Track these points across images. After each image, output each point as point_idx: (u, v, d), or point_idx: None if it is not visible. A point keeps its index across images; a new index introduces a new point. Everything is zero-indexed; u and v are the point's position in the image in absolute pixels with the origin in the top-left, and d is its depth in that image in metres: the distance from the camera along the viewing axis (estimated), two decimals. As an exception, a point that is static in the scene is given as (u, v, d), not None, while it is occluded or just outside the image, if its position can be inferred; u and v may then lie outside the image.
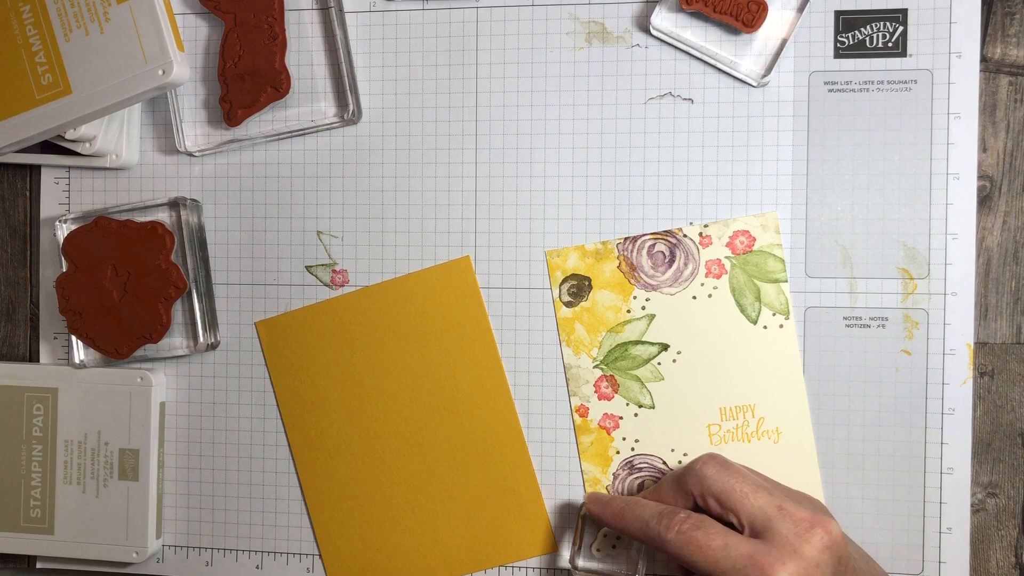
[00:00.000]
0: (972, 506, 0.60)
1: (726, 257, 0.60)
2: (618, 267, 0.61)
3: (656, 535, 0.53)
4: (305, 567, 0.66)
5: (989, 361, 0.60)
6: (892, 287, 0.59)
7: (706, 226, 0.60)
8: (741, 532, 0.52)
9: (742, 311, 0.60)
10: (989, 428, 0.60)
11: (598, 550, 0.62)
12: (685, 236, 0.61)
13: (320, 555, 0.66)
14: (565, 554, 0.63)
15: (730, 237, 0.60)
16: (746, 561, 0.50)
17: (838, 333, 0.60)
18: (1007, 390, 0.59)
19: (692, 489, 0.54)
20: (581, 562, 0.62)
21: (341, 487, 0.65)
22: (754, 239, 0.60)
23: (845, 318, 0.60)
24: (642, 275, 0.61)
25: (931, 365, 0.59)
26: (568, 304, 0.62)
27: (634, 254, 0.61)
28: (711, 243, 0.60)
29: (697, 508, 0.55)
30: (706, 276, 0.60)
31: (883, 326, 0.60)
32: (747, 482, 0.53)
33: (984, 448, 0.60)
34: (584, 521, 0.62)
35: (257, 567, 0.67)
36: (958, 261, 0.59)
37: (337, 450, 0.65)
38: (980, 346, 0.60)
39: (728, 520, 0.53)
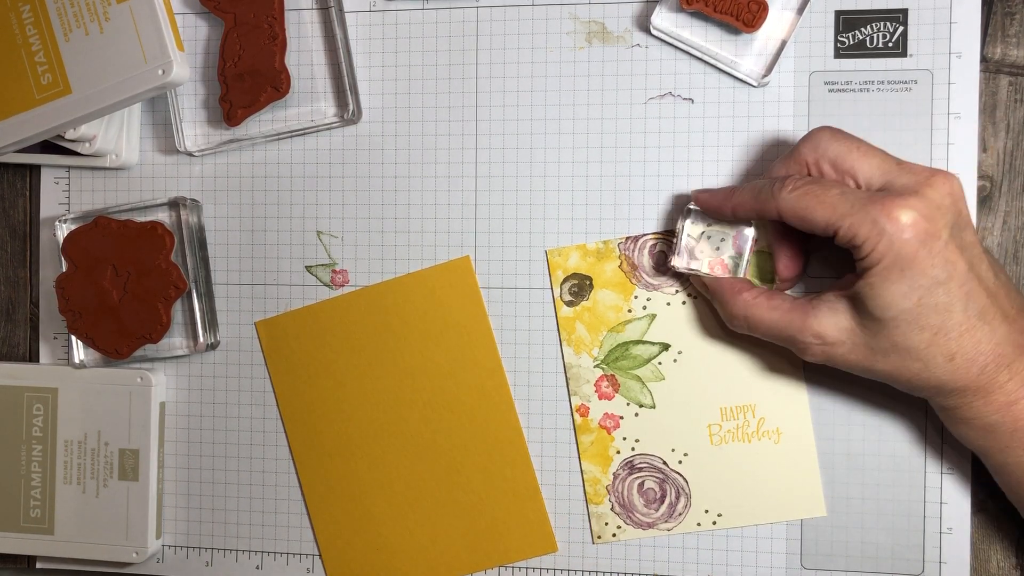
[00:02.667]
0: (973, 506, 0.60)
1: (728, 257, 0.60)
2: (619, 266, 0.61)
3: (769, 198, 0.52)
4: (305, 567, 0.66)
5: (989, 361, 0.60)
6: (892, 287, 0.59)
7: (708, 226, 0.60)
8: None
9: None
10: (989, 428, 0.60)
11: (701, 251, 0.59)
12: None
13: (320, 555, 0.66)
14: (565, 554, 0.63)
15: (732, 237, 0.60)
16: (865, 201, 0.49)
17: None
18: (1007, 390, 0.59)
19: (806, 156, 0.53)
20: (683, 261, 0.59)
21: (341, 487, 0.65)
22: (756, 239, 0.60)
23: (845, 318, 0.60)
24: (643, 275, 0.61)
25: (931, 365, 0.59)
26: (569, 303, 0.62)
27: (635, 254, 0.61)
28: (712, 243, 0.60)
29: None
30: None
31: (883, 326, 0.59)
32: (863, 143, 0.52)
33: (984, 448, 0.60)
34: (685, 222, 0.59)
35: (257, 567, 0.67)
36: (958, 261, 0.59)
37: (337, 450, 0.65)
38: (980, 346, 0.60)
39: (845, 183, 0.52)
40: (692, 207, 0.59)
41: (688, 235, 0.59)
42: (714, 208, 0.57)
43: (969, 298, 0.49)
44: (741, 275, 0.58)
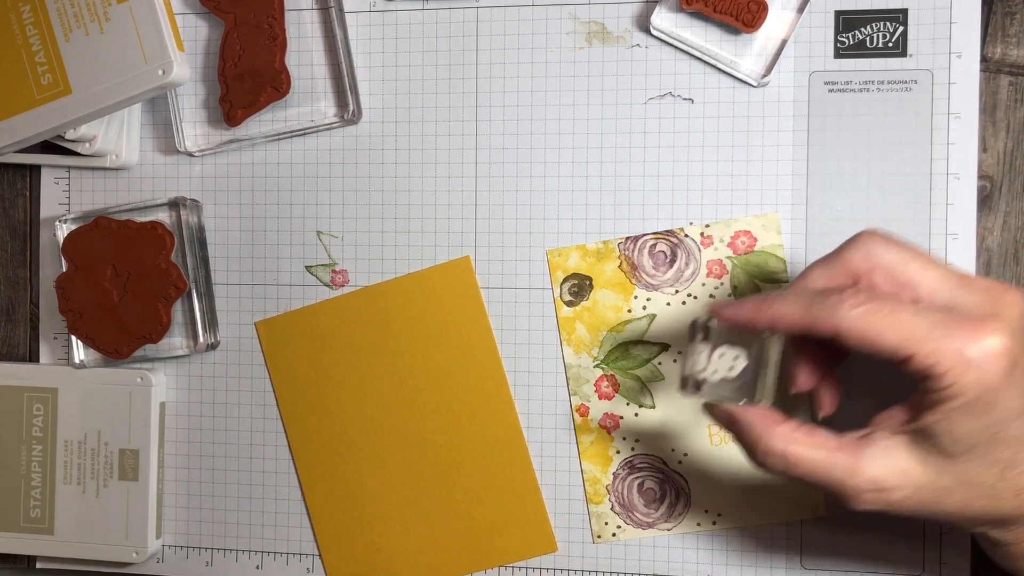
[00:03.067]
0: (972, 506, 0.59)
1: (727, 257, 0.60)
2: (619, 267, 0.61)
3: (824, 314, 0.45)
4: (305, 567, 0.66)
5: (989, 361, 0.60)
6: (892, 287, 0.59)
7: (707, 226, 0.60)
8: None
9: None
10: (989, 428, 0.60)
11: (714, 371, 0.50)
12: (686, 236, 0.61)
13: (320, 555, 0.66)
14: (565, 554, 0.63)
15: (731, 237, 0.60)
16: (946, 324, 0.42)
17: (838, 333, 0.60)
18: (1007, 390, 0.59)
19: (856, 265, 0.47)
20: (701, 386, 0.50)
21: (341, 487, 0.65)
22: (755, 240, 0.60)
23: (845, 318, 0.60)
24: (643, 275, 0.61)
25: (931, 365, 0.59)
26: (569, 303, 0.62)
27: (635, 254, 0.61)
28: (712, 243, 0.60)
29: None
30: (707, 276, 0.60)
31: (883, 326, 0.59)
32: (922, 253, 0.46)
33: (984, 448, 0.60)
34: (696, 342, 0.51)
35: (257, 567, 0.67)
36: (958, 261, 0.59)
37: (337, 450, 0.65)
38: (980, 346, 0.60)
39: (901, 298, 0.45)
40: (705, 321, 0.51)
41: (700, 354, 0.51)
42: (743, 321, 0.49)
43: None
44: (764, 400, 0.50)
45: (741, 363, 0.50)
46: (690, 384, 0.50)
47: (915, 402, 0.45)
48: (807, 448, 0.46)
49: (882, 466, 0.45)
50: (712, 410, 0.51)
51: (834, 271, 0.48)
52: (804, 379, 0.51)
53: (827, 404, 0.52)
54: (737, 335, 0.50)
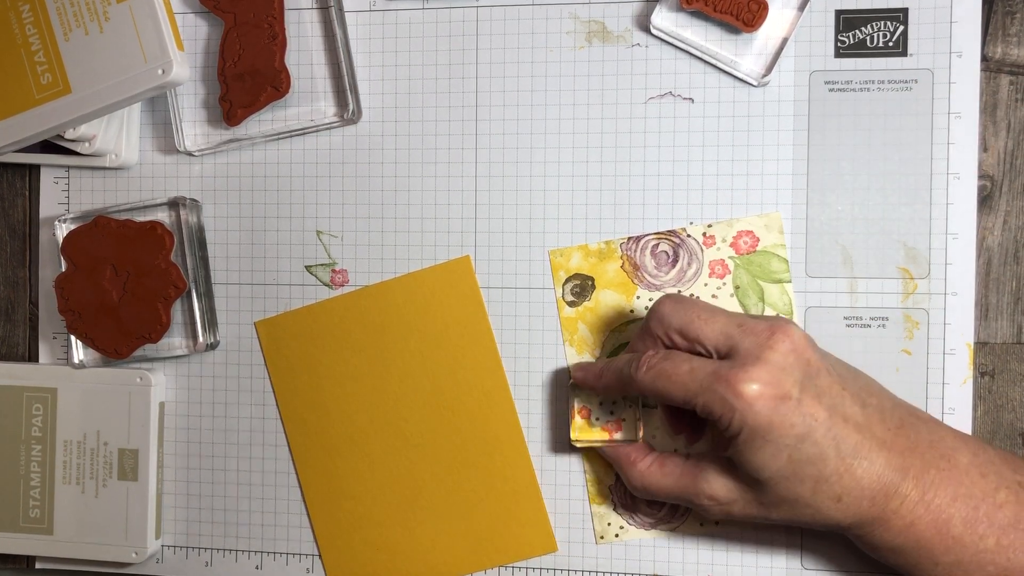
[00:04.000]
0: (972, 506, 0.60)
1: (730, 257, 0.60)
2: (621, 267, 0.61)
3: (629, 378, 0.54)
4: (305, 567, 0.66)
5: (990, 361, 0.60)
6: (892, 287, 0.59)
7: (710, 226, 0.60)
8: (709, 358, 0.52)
9: (745, 311, 0.60)
10: (989, 428, 0.60)
11: (597, 418, 0.60)
12: (689, 236, 0.61)
13: (320, 555, 0.66)
14: (566, 554, 0.63)
15: (734, 237, 0.60)
16: (712, 378, 0.50)
17: (838, 333, 0.60)
18: (1007, 390, 0.59)
19: (656, 330, 0.54)
20: (577, 434, 0.60)
21: (341, 487, 0.65)
22: (758, 239, 0.60)
23: (845, 318, 0.60)
24: (646, 275, 0.61)
25: (931, 365, 0.59)
26: (571, 304, 0.62)
27: (637, 254, 0.61)
28: (715, 243, 0.60)
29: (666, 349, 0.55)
30: (710, 276, 0.60)
31: (883, 326, 0.60)
32: (704, 309, 0.53)
33: (984, 448, 0.60)
34: (573, 394, 0.61)
35: (257, 567, 0.67)
36: (958, 261, 0.59)
37: (337, 450, 0.65)
38: (980, 346, 0.60)
39: (696, 351, 0.53)
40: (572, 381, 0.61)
41: (579, 406, 0.61)
42: (589, 387, 0.59)
43: (838, 441, 0.50)
44: (640, 435, 0.59)
45: (620, 407, 0.60)
46: (576, 429, 0.60)
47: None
48: (659, 478, 0.57)
49: (716, 485, 0.54)
50: (596, 450, 0.61)
51: (645, 339, 0.56)
52: (673, 427, 0.60)
53: (689, 438, 0.61)
54: None
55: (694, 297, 0.57)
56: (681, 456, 0.57)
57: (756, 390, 0.49)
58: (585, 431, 0.60)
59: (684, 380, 0.51)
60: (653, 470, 0.57)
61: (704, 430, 0.60)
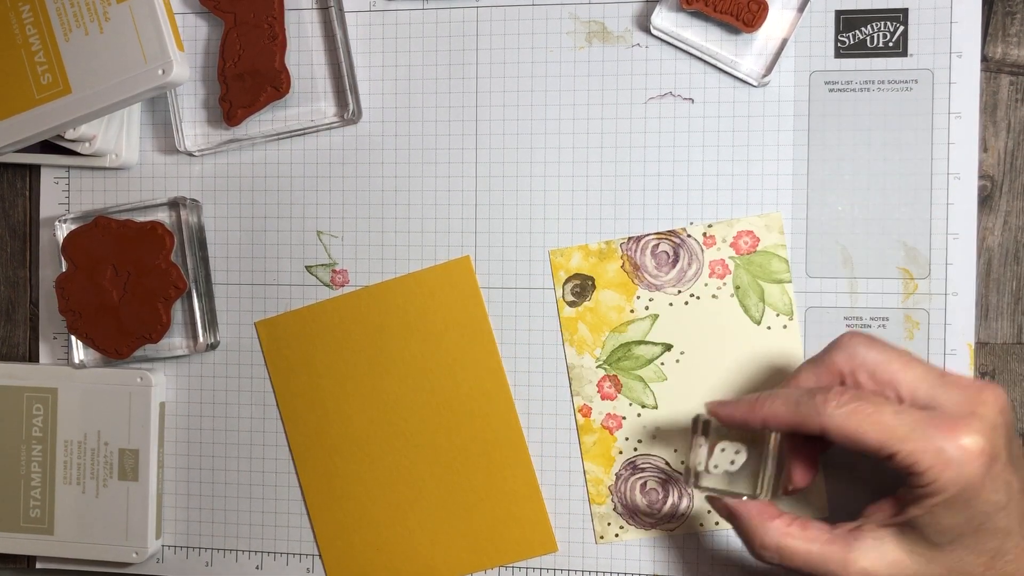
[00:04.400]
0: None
1: (730, 257, 0.60)
2: (621, 267, 0.61)
3: (811, 413, 0.48)
4: (305, 567, 0.66)
5: (990, 361, 0.60)
6: (893, 287, 0.59)
7: (710, 226, 0.60)
8: None
9: (746, 312, 0.60)
10: (990, 428, 0.60)
11: (715, 467, 0.54)
12: (689, 236, 0.61)
13: (320, 555, 0.66)
14: (566, 554, 0.63)
15: (734, 237, 0.60)
16: (925, 424, 0.45)
17: (838, 333, 0.59)
18: (1008, 390, 0.59)
19: (841, 365, 0.49)
20: (701, 480, 0.54)
21: (341, 487, 0.65)
22: (758, 239, 0.60)
23: (846, 318, 0.60)
24: (646, 275, 0.61)
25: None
26: (571, 304, 0.62)
27: (638, 254, 0.61)
28: (715, 243, 0.60)
29: None
30: (710, 276, 0.60)
31: (884, 326, 0.60)
32: (903, 353, 0.49)
33: (985, 448, 0.60)
34: (699, 436, 0.55)
35: (257, 567, 0.67)
36: (959, 261, 0.59)
37: (337, 450, 0.65)
38: (981, 346, 0.60)
39: (884, 396, 0.48)
40: (704, 418, 0.55)
41: (701, 447, 0.55)
42: (739, 420, 0.52)
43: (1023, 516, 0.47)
44: (764, 492, 0.53)
45: (742, 457, 0.53)
46: (692, 476, 0.54)
47: (902, 496, 0.48)
48: (801, 542, 0.50)
49: (872, 559, 0.48)
50: (713, 503, 0.54)
51: (821, 372, 0.50)
52: (800, 477, 0.54)
53: (800, 480, 0.54)
54: (736, 431, 0.54)
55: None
56: (824, 523, 0.51)
57: (976, 444, 0.45)
58: (713, 479, 0.54)
59: (890, 422, 0.46)
60: (794, 531, 0.50)
61: (807, 485, 0.54)
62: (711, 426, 0.55)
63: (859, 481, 0.58)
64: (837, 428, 0.47)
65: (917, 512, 0.47)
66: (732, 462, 0.54)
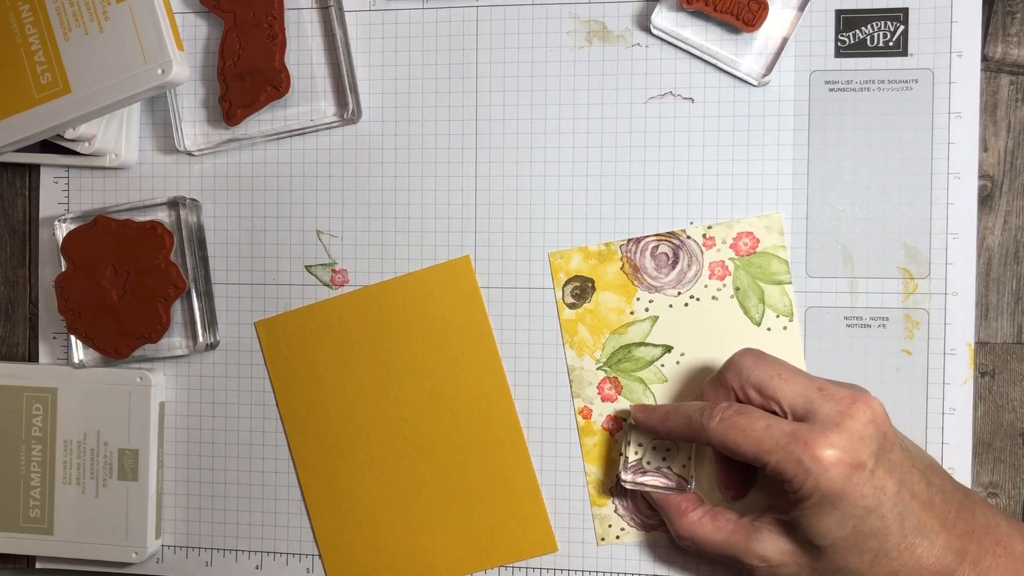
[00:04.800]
0: (973, 506, 0.60)
1: (730, 259, 0.60)
2: (621, 268, 0.61)
3: (699, 427, 0.53)
4: (305, 567, 0.66)
5: (990, 361, 0.60)
6: (893, 287, 0.59)
7: (710, 228, 0.60)
8: (784, 418, 0.52)
9: (746, 313, 0.60)
10: (990, 428, 0.60)
11: (648, 463, 0.60)
12: (688, 238, 0.61)
13: (320, 555, 0.66)
14: (566, 554, 0.63)
15: (734, 239, 0.60)
16: (789, 438, 0.50)
17: (839, 333, 0.60)
18: (1008, 390, 0.59)
19: (731, 382, 0.54)
20: (628, 476, 0.59)
21: (341, 487, 0.65)
22: (758, 241, 0.60)
23: (846, 318, 0.60)
24: (645, 277, 0.61)
25: (932, 365, 0.59)
26: (571, 306, 0.62)
27: (637, 256, 0.61)
28: (715, 245, 0.60)
29: (740, 403, 0.54)
30: (709, 278, 0.60)
31: (884, 326, 0.60)
32: (785, 368, 0.53)
33: (985, 448, 0.60)
34: (630, 435, 0.60)
35: (257, 567, 0.67)
36: (959, 261, 0.59)
37: (337, 450, 0.65)
38: (981, 346, 0.60)
39: (771, 409, 0.53)
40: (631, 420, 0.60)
41: (635, 447, 0.60)
42: (651, 429, 0.58)
43: (903, 517, 0.50)
44: (691, 485, 0.58)
45: (672, 455, 0.60)
46: (627, 470, 0.60)
47: (787, 496, 0.52)
48: (710, 532, 0.56)
49: (769, 546, 0.53)
50: (644, 494, 0.61)
51: (718, 388, 0.55)
52: (728, 483, 0.59)
53: (732, 491, 0.60)
54: None
55: (773, 356, 0.55)
56: (734, 512, 0.56)
57: (834, 456, 0.49)
58: (637, 475, 0.60)
59: (759, 436, 0.51)
60: (704, 522, 0.56)
61: (750, 487, 0.60)
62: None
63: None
64: (718, 441, 0.53)
65: (795, 513, 0.51)
66: (664, 458, 0.60)
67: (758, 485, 0.60)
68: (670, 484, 0.59)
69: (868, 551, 0.50)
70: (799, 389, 0.52)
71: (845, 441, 0.49)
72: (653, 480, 0.59)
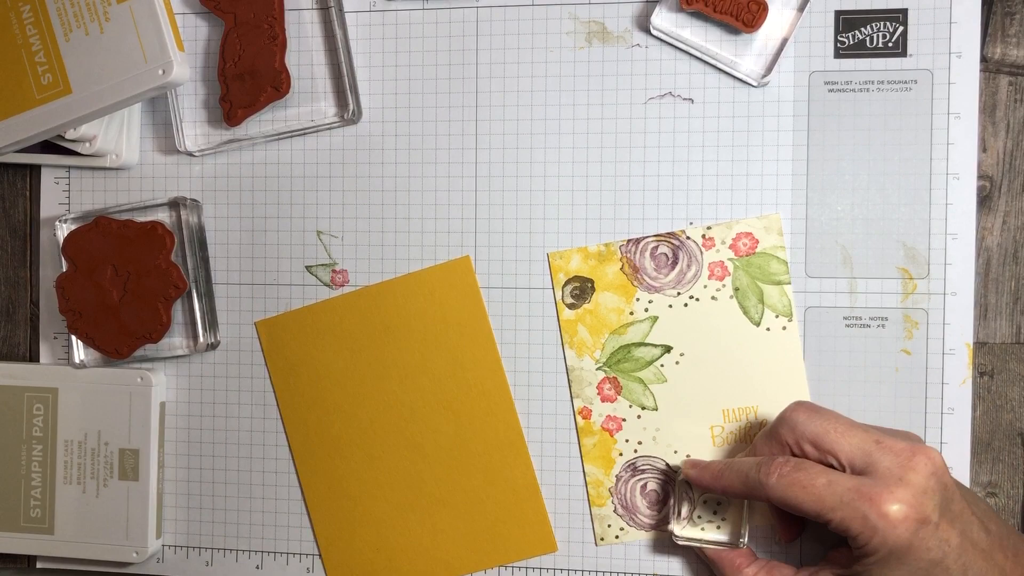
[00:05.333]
0: (972, 506, 0.60)
1: (729, 259, 0.60)
2: (621, 269, 0.61)
3: (757, 483, 0.53)
4: (305, 567, 0.66)
5: (989, 361, 0.60)
6: (892, 287, 0.59)
7: (709, 228, 0.60)
8: (842, 472, 0.52)
9: (745, 313, 0.60)
10: (989, 428, 0.60)
11: (699, 516, 0.60)
12: (688, 238, 0.61)
13: (320, 555, 0.66)
14: (565, 554, 0.63)
15: (733, 239, 0.60)
16: (853, 494, 0.49)
17: (838, 333, 0.60)
18: (1006, 390, 0.60)
19: (786, 438, 0.54)
20: (680, 530, 0.60)
21: (341, 487, 0.65)
22: (757, 241, 0.60)
23: (845, 318, 0.60)
24: (645, 277, 0.61)
25: (931, 365, 0.59)
26: (571, 306, 0.62)
27: (637, 256, 0.61)
28: (714, 245, 0.60)
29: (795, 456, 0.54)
30: (709, 278, 0.60)
31: (883, 326, 0.60)
32: (840, 421, 0.53)
33: (984, 448, 0.60)
34: (681, 489, 0.60)
35: (257, 567, 0.67)
36: (958, 261, 0.59)
37: (337, 450, 0.65)
38: (980, 346, 0.60)
39: (827, 462, 0.52)
40: (682, 477, 0.60)
41: (685, 500, 0.60)
42: (704, 486, 0.58)
43: (966, 568, 0.50)
44: (744, 540, 0.58)
45: (724, 508, 0.60)
46: (680, 524, 0.60)
47: (850, 550, 0.52)
48: None
49: None
50: (696, 549, 0.60)
51: (771, 444, 0.55)
52: (784, 533, 0.59)
53: (786, 537, 0.59)
54: None
55: (826, 408, 0.55)
56: (790, 567, 0.57)
57: (900, 512, 0.49)
58: (688, 528, 0.60)
59: (821, 493, 0.50)
60: None
61: (802, 531, 0.59)
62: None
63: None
64: (778, 498, 0.52)
65: (859, 568, 0.51)
66: (715, 511, 0.60)
67: (810, 532, 0.60)
68: (723, 539, 0.59)
69: None
70: (856, 442, 0.51)
71: (910, 496, 0.49)
72: (706, 535, 0.60)
